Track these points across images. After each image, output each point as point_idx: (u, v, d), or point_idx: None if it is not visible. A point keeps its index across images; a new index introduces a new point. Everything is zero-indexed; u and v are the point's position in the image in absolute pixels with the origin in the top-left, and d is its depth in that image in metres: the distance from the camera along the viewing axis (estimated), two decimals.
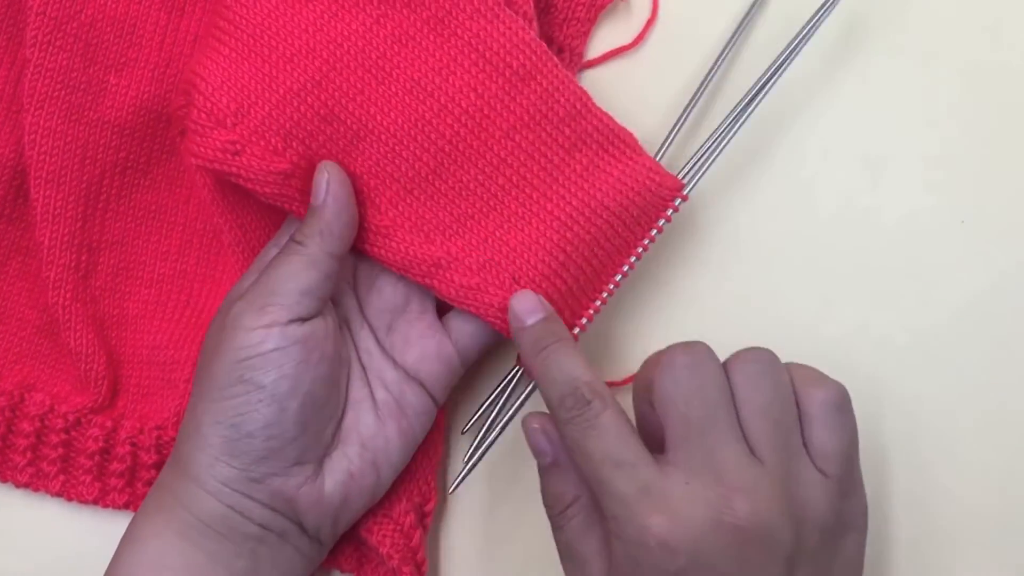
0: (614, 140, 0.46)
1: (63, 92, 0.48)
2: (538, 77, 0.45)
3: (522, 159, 0.45)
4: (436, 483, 0.49)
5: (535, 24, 0.47)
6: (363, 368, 0.47)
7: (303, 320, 0.43)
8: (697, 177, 0.47)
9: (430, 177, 0.45)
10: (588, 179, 0.46)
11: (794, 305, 0.51)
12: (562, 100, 0.46)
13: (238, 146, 0.44)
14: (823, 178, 0.51)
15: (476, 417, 0.47)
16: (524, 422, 0.43)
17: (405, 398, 0.47)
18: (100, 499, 0.49)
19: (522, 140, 0.45)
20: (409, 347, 0.47)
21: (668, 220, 0.46)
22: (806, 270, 0.51)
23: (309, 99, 0.44)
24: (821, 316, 0.51)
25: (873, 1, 0.52)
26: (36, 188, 0.48)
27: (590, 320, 0.46)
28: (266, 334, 0.42)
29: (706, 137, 0.48)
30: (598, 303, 0.46)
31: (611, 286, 0.46)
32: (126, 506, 0.49)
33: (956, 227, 0.51)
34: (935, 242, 0.51)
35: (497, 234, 0.45)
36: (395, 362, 0.47)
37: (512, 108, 0.45)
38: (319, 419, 0.44)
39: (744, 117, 0.48)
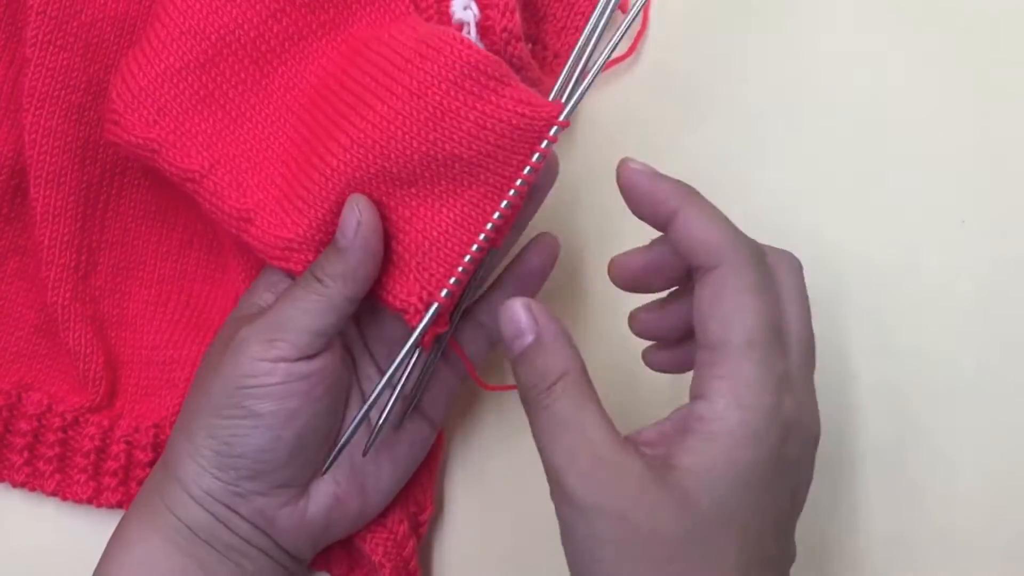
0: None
1: (63, 92, 0.48)
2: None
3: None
4: (433, 493, 0.49)
5: (516, 14, 0.46)
6: (363, 393, 0.46)
7: (311, 357, 0.42)
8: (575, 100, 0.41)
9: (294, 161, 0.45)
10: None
11: None
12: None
13: (116, 116, 0.45)
14: (823, 181, 0.51)
15: (341, 447, 0.44)
16: (506, 305, 0.39)
17: (403, 425, 0.46)
18: (94, 498, 0.49)
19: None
20: (409, 378, 0.46)
21: (545, 154, 0.41)
22: (807, 275, 0.51)
23: (189, 78, 0.44)
24: (821, 318, 0.50)
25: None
26: (36, 188, 0.48)
27: (463, 282, 0.41)
28: (272, 368, 0.41)
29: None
30: (468, 259, 0.41)
31: (482, 237, 0.41)
32: (119, 505, 0.49)
33: (956, 227, 0.50)
34: (935, 242, 0.50)
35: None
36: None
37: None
38: (313, 446, 0.44)
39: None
